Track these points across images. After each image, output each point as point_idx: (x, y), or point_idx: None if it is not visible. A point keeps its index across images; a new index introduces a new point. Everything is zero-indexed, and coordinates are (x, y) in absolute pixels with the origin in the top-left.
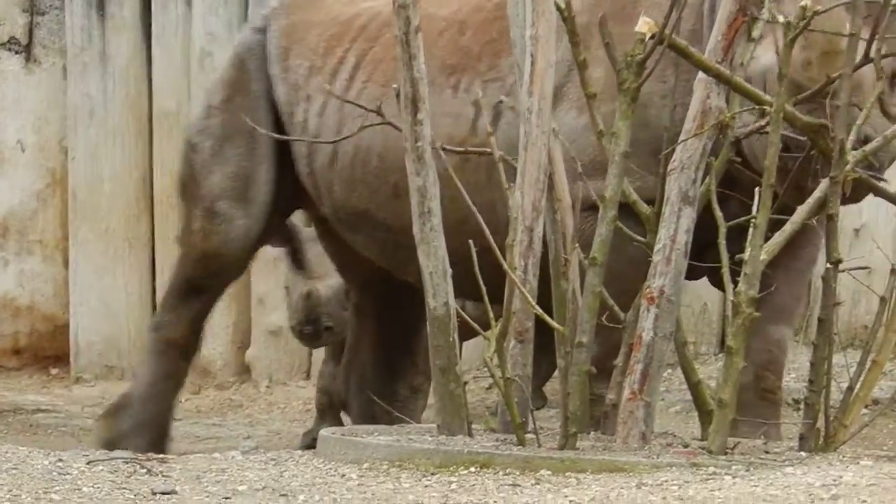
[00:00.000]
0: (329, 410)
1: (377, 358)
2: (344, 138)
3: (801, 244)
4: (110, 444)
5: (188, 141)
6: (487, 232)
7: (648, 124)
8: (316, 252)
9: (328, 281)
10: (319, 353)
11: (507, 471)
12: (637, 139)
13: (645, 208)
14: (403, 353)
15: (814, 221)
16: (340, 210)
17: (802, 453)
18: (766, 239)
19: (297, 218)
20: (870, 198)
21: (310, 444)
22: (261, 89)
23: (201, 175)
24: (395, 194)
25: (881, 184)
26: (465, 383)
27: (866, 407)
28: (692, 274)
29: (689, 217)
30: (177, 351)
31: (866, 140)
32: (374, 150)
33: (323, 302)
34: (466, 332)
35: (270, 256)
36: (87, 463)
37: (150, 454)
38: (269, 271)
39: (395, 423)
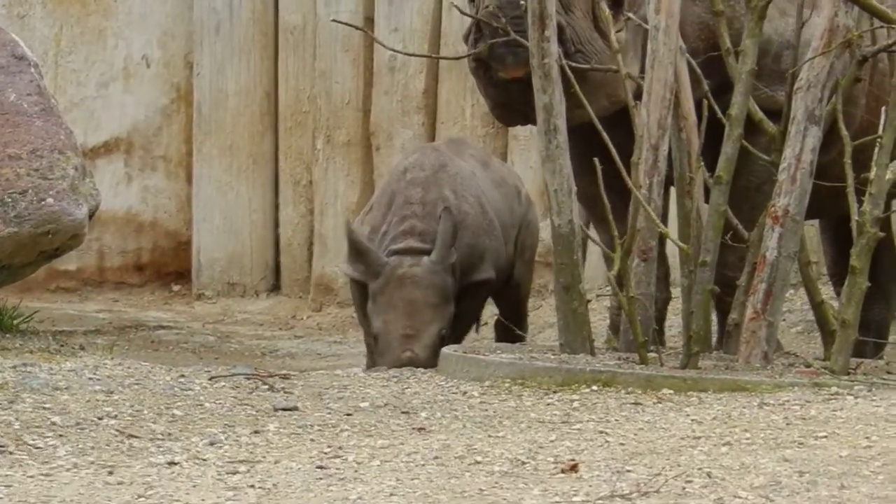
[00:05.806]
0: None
1: None
2: None
3: None
4: None
5: None
6: None
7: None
8: (405, 294)
9: (425, 340)
10: None
11: (629, 389)
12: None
13: (771, 127)
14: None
15: None
16: None
17: None
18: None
19: None
20: None
21: None
22: None
23: None
24: None
25: None
26: (588, 301)
27: None
28: None
29: (814, 136)
30: None
31: None
32: None
33: (421, 365)
34: None
35: None
36: (210, 379)
37: (271, 371)
38: None
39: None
